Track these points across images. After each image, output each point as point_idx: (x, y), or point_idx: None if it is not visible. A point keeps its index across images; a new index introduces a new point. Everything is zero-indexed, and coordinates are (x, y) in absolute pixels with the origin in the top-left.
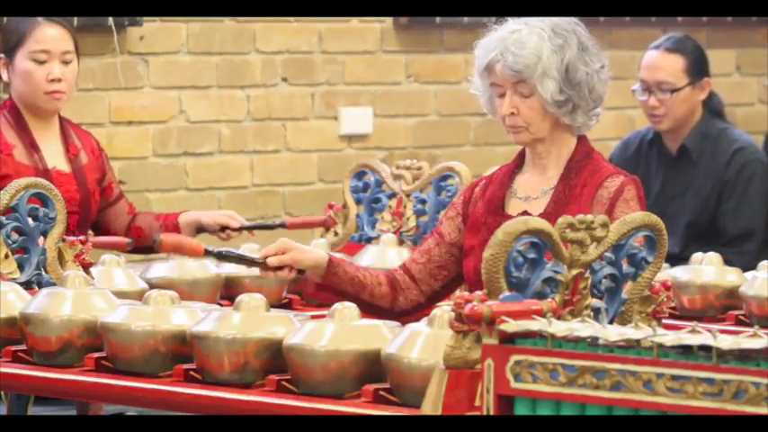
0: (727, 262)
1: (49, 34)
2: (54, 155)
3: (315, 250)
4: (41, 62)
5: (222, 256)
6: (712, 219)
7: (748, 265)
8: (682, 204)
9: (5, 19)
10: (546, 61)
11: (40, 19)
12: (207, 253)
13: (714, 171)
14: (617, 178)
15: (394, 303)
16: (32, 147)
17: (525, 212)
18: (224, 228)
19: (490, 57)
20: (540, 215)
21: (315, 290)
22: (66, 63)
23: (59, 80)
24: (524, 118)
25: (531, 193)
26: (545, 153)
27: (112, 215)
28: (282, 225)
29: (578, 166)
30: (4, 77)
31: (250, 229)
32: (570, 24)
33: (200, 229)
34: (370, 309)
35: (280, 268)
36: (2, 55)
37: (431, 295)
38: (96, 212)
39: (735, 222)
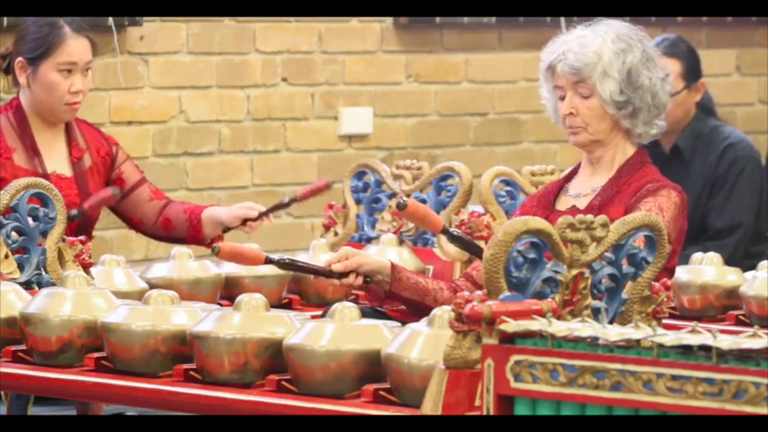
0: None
1: (78, 47)
2: (56, 158)
3: (376, 256)
4: (67, 74)
5: (284, 265)
6: (703, 216)
7: (729, 259)
8: None
9: (27, 24)
10: (606, 61)
11: (67, 30)
12: (268, 261)
13: (705, 169)
14: (662, 182)
15: None
16: (33, 150)
17: (573, 207)
18: (245, 220)
19: (552, 57)
20: (586, 208)
21: (381, 297)
22: (85, 73)
23: (80, 92)
24: (583, 118)
25: (582, 190)
26: (602, 157)
27: (130, 204)
28: (293, 200)
29: (630, 170)
30: (21, 81)
31: (267, 213)
32: (636, 33)
33: (224, 227)
34: None
35: (345, 275)
36: (21, 59)
37: None
38: (97, 216)
39: (720, 217)
